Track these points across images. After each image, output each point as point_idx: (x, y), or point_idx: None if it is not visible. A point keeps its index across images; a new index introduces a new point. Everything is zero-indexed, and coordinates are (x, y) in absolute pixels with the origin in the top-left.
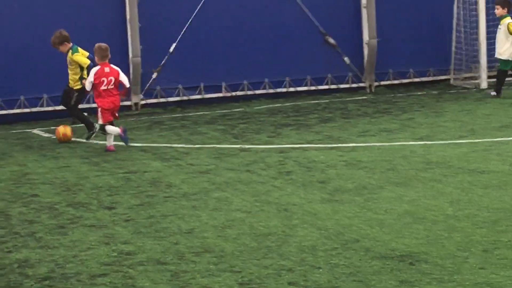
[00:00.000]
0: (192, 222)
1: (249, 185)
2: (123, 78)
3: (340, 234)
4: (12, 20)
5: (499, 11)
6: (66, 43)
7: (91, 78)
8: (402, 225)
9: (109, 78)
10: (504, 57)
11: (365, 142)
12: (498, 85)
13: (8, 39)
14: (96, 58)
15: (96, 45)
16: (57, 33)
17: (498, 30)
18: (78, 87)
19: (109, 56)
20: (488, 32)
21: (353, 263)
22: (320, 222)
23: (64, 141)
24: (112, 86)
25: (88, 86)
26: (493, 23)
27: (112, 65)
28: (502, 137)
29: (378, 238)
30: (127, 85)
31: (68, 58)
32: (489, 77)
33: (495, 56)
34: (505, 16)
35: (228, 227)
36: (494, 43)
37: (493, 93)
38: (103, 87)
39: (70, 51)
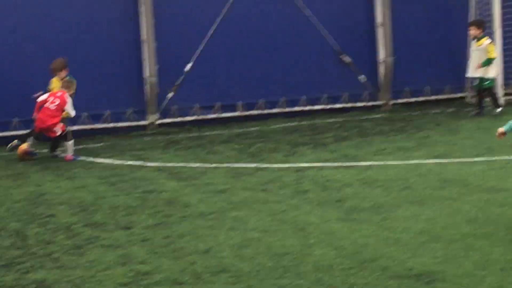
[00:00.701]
0: (208, 242)
1: (265, 204)
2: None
3: (356, 253)
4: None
5: (474, 31)
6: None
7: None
8: (418, 244)
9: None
10: (491, 75)
11: (381, 160)
12: (495, 101)
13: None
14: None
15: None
16: (56, 60)
17: (473, 50)
18: None
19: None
20: (505, 50)
21: (370, 282)
22: (336, 241)
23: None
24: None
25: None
26: (510, 40)
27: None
28: None
29: (394, 257)
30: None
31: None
32: (506, 94)
33: (469, 75)
34: (482, 37)
35: (245, 246)
36: (510, 61)
37: (498, 109)
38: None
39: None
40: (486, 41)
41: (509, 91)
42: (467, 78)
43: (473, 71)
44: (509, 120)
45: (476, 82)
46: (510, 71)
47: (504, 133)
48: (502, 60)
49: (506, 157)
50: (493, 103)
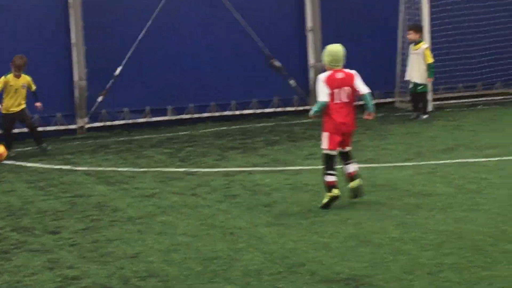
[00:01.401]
0: (137, 247)
1: (194, 209)
2: None
3: (285, 258)
4: None
5: (412, 36)
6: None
7: None
8: (347, 248)
9: None
10: (425, 81)
11: (311, 165)
12: (424, 107)
13: None
14: None
15: None
16: (23, 56)
17: (411, 55)
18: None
19: None
20: (436, 55)
21: (298, 287)
22: (265, 246)
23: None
24: None
25: None
26: (440, 46)
27: None
28: (446, 160)
29: (323, 262)
30: None
31: (25, 83)
32: (434, 99)
33: (407, 79)
34: (419, 41)
35: (174, 251)
36: (442, 66)
37: (425, 116)
38: None
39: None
40: (423, 45)
41: (437, 96)
42: (401, 81)
43: (410, 75)
44: (439, 124)
45: (411, 86)
46: (437, 76)
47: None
48: None
49: (434, 162)
50: (422, 109)
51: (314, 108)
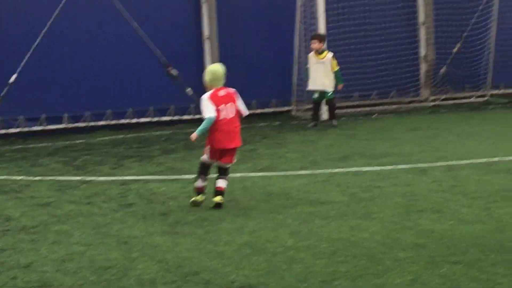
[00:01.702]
0: (30, 256)
1: (89, 217)
2: None
3: (180, 266)
4: None
5: (316, 45)
6: None
7: None
8: (242, 257)
9: None
10: (331, 88)
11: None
12: (334, 113)
13: None
14: None
15: None
16: None
17: (316, 64)
18: None
19: None
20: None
21: None
22: (160, 255)
23: None
24: None
25: None
26: (336, 55)
27: None
28: (342, 168)
29: (218, 270)
30: None
31: None
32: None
33: (311, 88)
34: (323, 50)
35: (68, 260)
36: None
37: (335, 122)
38: None
39: None
40: (328, 54)
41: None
42: (298, 90)
43: (315, 84)
44: (335, 133)
45: (316, 95)
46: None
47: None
48: None
49: (329, 170)
50: (330, 115)
51: (202, 126)
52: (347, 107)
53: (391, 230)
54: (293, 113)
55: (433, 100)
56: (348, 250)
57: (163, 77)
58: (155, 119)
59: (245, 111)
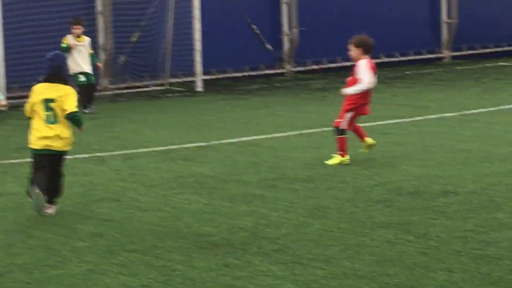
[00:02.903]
0: None
1: None
2: None
3: None
4: None
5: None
6: None
7: None
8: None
9: None
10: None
11: None
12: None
13: None
14: None
15: None
16: None
17: (78, 48)
18: None
19: None
20: (10, 54)
21: None
22: None
23: None
24: None
25: None
26: (14, 44)
27: None
28: (18, 159)
29: None
30: None
31: None
32: (8, 98)
33: (76, 72)
34: (82, 33)
35: None
36: (18, 65)
37: (90, 110)
38: None
39: None
40: (87, 37)
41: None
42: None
43: (81, 67)
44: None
45: (83, 79)
46: (13, 75)
47: None
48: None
49: (7, 161)
50: (88, 100)
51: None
52: (24, 97)
53: (70, 220)
54: None
55: (112, 90)
56: (24, 242)
57: None
58: None
59: None
